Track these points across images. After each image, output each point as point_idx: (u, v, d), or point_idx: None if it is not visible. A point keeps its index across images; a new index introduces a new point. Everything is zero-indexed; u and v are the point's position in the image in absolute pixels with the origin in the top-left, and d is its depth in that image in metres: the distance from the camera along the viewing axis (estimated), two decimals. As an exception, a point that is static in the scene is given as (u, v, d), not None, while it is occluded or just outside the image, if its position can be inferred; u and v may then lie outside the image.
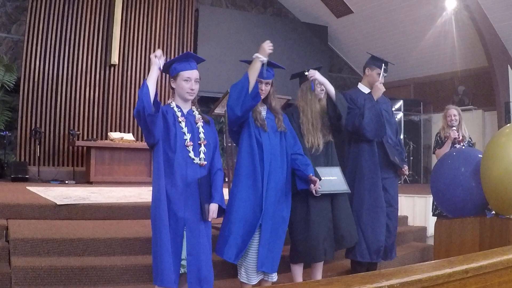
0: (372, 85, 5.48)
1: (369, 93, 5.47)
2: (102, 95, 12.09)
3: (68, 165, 11.46)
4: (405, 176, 5.65)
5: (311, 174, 4.50)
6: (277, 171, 4.43)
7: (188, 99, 3.96)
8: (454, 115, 7.11)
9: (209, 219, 3.87)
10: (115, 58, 12.06)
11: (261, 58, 4.31)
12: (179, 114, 3.89)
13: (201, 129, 3.95)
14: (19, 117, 11.18)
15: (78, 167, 11.32)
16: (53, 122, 11.52)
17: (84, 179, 10.52)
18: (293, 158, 4.58)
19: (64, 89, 11.66)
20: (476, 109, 13.90)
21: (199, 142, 3.91)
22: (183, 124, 3.86)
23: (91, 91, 11.95)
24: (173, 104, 3.95)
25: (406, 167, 5.48)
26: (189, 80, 3.91)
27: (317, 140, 4.86)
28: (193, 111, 4.01)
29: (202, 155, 3.89)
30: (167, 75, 4.09)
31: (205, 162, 3.90)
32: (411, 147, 14.66)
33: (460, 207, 5.19)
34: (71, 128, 11.53)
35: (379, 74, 5.46)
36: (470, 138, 7.22)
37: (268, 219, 4.30)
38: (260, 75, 4.46)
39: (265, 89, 4.53)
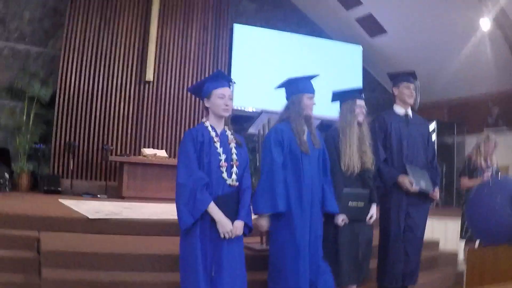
0: (404, 101, 5.48)
1: (405, 114, 5.46)
2: (136, 111, 12.16)
3: (100, 179, 11.52)
4: (436, 199, 5.54)
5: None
6: (317, 197, 4.50)
7: (224, 115, 4.03)
8: (491, 148, 7.03)
9: (232, 237, 3.85)
10: (150, 75, 12.14)
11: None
12: (213, 134, 3.95)
13: (233, 150, 4.00)
14: (54, 131, 11.30)
15: (111, 181, 11.38)
16: (87, 136, 11.62)
17: (116, 194, 10.57)
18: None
19: (99, 104, 11.78)
20: (510, 130, 13.71)
21: (231, 163, 3.94)
22: (218, 145, 3.92)
23: (126, 106, 12.05)
24: (207, 124, 4.01)
25: (436, 190, 5.38)
26: (223, 96, 3.97)
27: (353, 162, 4.80)
28: (226, 131, 4.06)
29: (234, 176, 3.92)
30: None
31: (237, 183, 3.94)
32: (444, 169, 14.49)
33: (495, 235, 5.12)
34: (105, 142, 11.64)
35: (407, 87, 5.45)
36: (497, 164, 7.13)
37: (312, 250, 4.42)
38: (308, 89, 4.58)
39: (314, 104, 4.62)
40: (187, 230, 3.78)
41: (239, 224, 3.89)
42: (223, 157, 3.91)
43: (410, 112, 5.53)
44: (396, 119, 5.45)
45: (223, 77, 4.15)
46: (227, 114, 4.04)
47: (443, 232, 8.46)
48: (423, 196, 5.31)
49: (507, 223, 4.99)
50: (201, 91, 4.10)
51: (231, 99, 4.07)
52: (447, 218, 8.61)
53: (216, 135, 3.97)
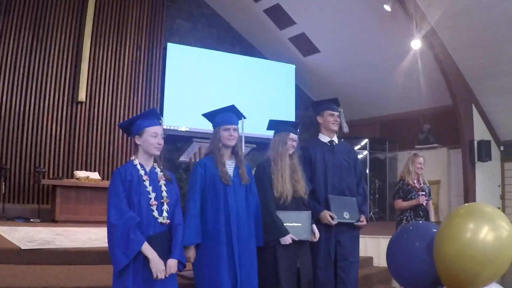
0: (329, 129, 5.59)
1: (330, 141, 5.57)
2: (68, 132, 12.00)
3: (33, 203, 11.26)
4: (363, 224, 5.61)
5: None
6: (245, 229, 4.48)
7: (155, 154, 4.05)
8: (421, 163, 7.26)
9: (166, 275, 3.85)
10: (82, 95, 12.00)
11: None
12: (142, 172, 3.97)
13: (163, 187, 4.01)
14: (-16, 153, 11.03)
15: (44, 204, 11.16)
16: (19, 159, 11.38)
17: (49, 217, 10.34)
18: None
19: (31, 125, 11.56)
20: (441, 147, 14.13)
21: (161, 200, 3.96)
22: (147, 183, 3.94)
23: (58, 127, 11.87)
24: (136, 162, 4.03)
25: (363, 219, 5.45)
26: (156, 135, 4.00)
27: (285, 190, 4.87)
28: (155, 168, 4.08)
29: (165, 214, 3.94)
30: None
31: (168, 221, 3.95)
32: (377, 184, 14.80)
33: (413, 281, 5.25)
34: (37, 164, 11.41)
35: (331, 114, 5.56)
36: (428, 185, 7.37)
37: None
38: (224, 121, 4.55)
39: (234, 135, 4.55)
40: (121, 271, 3.77)
41: (172, 263, 3.90)
42: (152, 195, 3.92)
43: (335, 139, 5.64)
44: (321, 148, 5.54)
45: (155, 115, 4.18)
46: (158, 153, 4.08)
47: (376, 248, 8.61)
48: (350, 225, 5.40)
49: (425, 269, 5.11)
50: (132, 128, 4.12)
51: (163, 137, 4.14)
52: (380, 234, 8.75)
53: (145, 173, 3.99)
